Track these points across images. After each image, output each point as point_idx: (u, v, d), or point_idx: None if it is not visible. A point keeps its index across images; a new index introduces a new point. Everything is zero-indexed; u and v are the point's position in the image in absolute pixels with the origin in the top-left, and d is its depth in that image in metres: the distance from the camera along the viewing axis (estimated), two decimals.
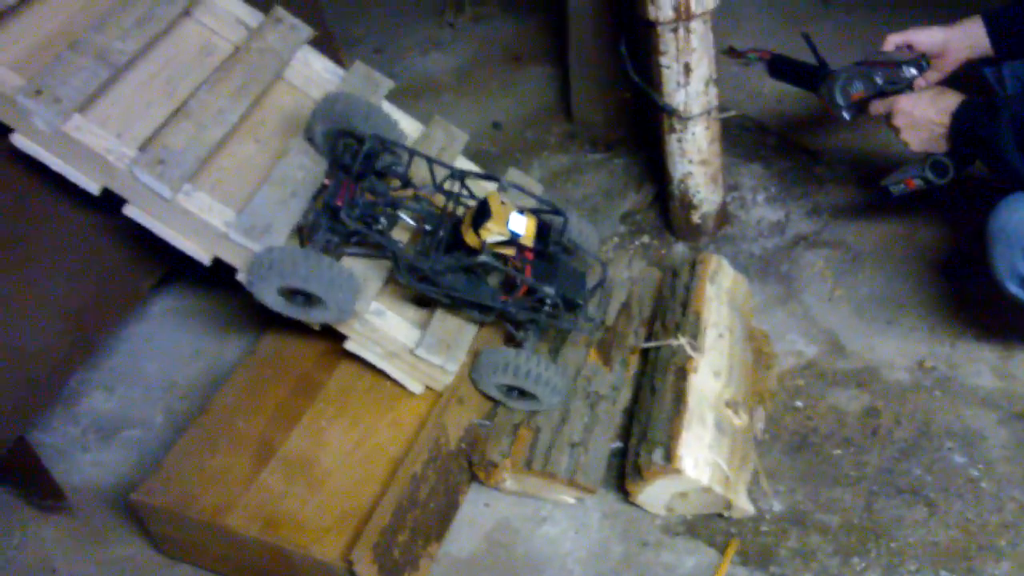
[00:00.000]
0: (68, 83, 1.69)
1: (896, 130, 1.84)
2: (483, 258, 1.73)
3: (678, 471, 1.69)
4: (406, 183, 1.91)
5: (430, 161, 1.88)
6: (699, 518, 1.80)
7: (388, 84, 2.14)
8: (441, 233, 1.81)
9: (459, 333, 1.88)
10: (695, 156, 2.25)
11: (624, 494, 1.82)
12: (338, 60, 2.22)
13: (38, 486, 1.96)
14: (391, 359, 1.85)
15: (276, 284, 1.69)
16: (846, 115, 1.92)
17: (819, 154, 2.56)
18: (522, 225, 1.75)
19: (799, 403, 1.96)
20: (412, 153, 1.90)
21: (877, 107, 1.88)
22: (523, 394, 1.84)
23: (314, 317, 1.77)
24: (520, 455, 1.81)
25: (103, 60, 1.75)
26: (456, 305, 1.85)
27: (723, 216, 2.41)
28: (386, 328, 1.81)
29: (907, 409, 1.91)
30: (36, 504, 2.00)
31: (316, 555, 1.63)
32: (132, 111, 1.78)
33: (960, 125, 1.74)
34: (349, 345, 1.85)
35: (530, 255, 1.80)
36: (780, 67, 2.14)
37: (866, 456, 1.84)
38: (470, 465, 1.89)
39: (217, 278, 1.88)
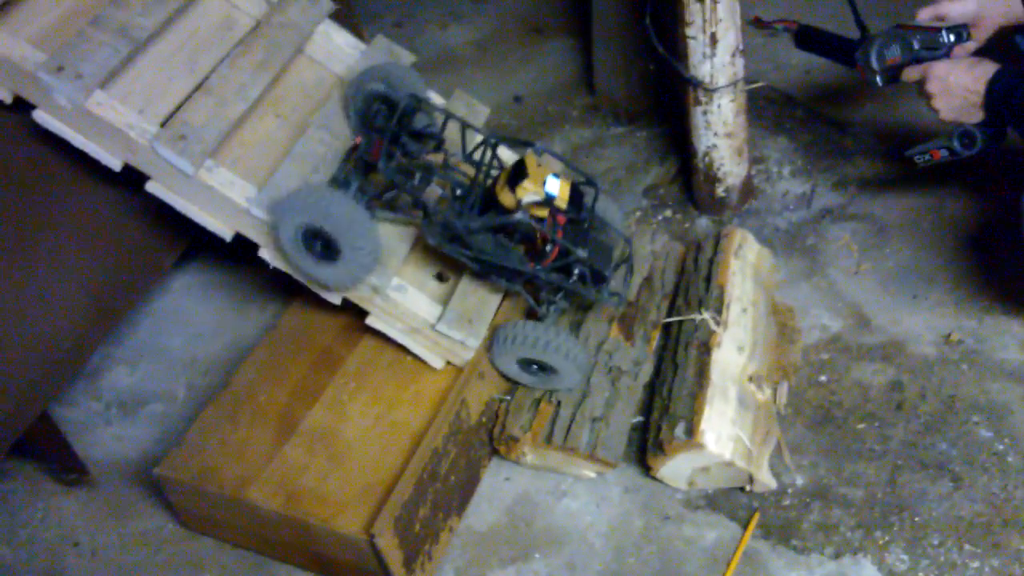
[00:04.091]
0: (89, 59, 1.69)
1: (928, 97, 1.80)
2: (519, 216, 1.69)
3: (700, 445, 1.68)
4: (440, 144, 1.89)
5: (464, 124, 1.85)
6: (721, 492, 1.79)
7: (410, 58, 2.12)
8: (474, 196, 1.79)
9: (480, 309, 1.88)
10: (720, 129, 2.22)
11: (645, 468, 1.81)
12: (359, 34, 2.21)
13: (61, 460, 1.99)
14: (412, 334, 1.85)
15: (298, 221, 1.68)
16: (879, 81, 1.88)
17: (846, 126, 2.53)
18: (557, 187, 1.72)
19: (823, 377, 1.95)
20: (447, 116, 1.88)
21: (911, 72, 1.84)
22: (543, 370, 1.83)
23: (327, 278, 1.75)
24: (541, 430, 1.81)
25: (124, 35, 1.75)
26: (484, 271, 1.82)
27: (748, 189, 2.38)
28: (407, 304, 1.81)
29: (933, 383, 1.88)
30: (59, 478, 2.03)
31: (338, 528, 1.64)
32: (154, 87, 1.77)
33: (995, 93, 1.71)
34: (370, 321, 1.85)
35: (562, 219, 1.77)
36: (807, 38, 2.10)
37: (890, 430, 1.82)
38: (491, 439, 1.89)
39: (239, 253, 1.89)
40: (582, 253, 1.73)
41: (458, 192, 1.84)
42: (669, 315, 2.05)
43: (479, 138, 1.85)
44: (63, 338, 1.87)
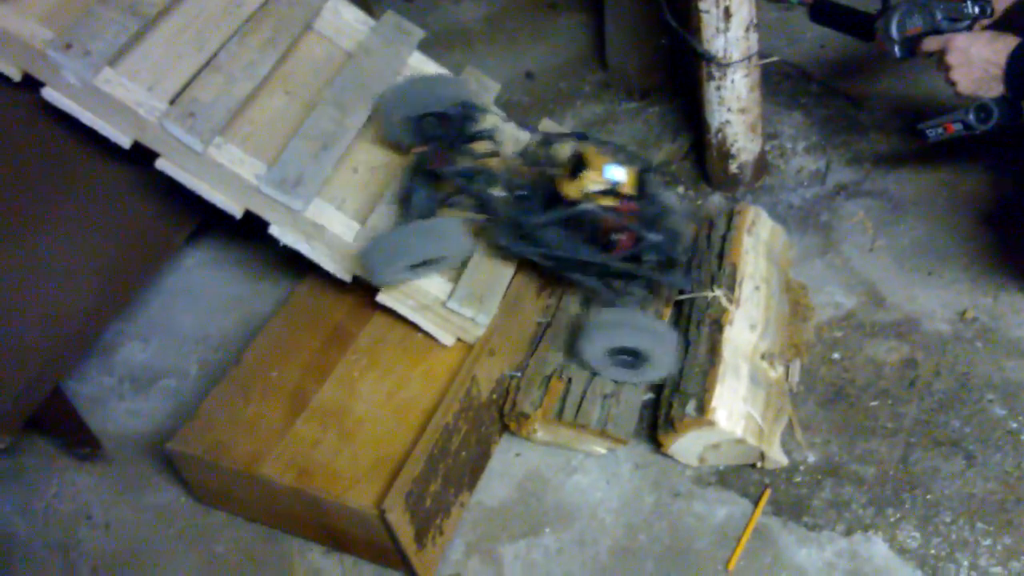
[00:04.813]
0: (98, 36, 1.68)
1: (947, 68, 1.77)
2: (583, 206, 1.69)
3: (711, 423, 1.68)
4: (495, 146, 1.90)
5: (518, 124, 1.88)
6: (731, 469, 1.79)
7: (419, 34, 2.11)
8: (536, 193, 1.79)
9: (491, 285, 1.87)
10: (734, 104, 2.20)
11: (656, 445, 1.81)
12: (368, 9, 2.19)
13: (75, 435, 2.01)
14: (423, 311, 1.85)
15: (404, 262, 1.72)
16: (898, 51, 1.85)
17: (861, 101, 2.50)
18: (620, 174, 1.71)
19: (836, 355, 1.93)
20: (502, 118, 1.91)
21: (931, 43, 1.81)
22: (636, 360, 1.77)
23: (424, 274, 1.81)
24: (551, 406, 1.81)
25: (133, 13, 1.74)
26: (556, 266, 1.82)
27: (761, 166, 2.36)
28: (418, 281, 1.81)
29: (947, 361, 1.87)
30: (73, 453, 2.04)
31: (349, 503, 1.64)
32: (162, 64, 1.77)
33: (1017, 66, 1.68)
34: (381, 297, 1.85)
35: (631, 207, 1.74)
36: (822, 11, 2.07)
37: (903, 408, 1.81)
38: (501, 416, 1.89)
39: (250, 230, 1.89)
40: (655, 237, 1.71)
41: (518, 192, 1.84)
42: (681, 292, 2.03)
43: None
44: (76, 314, 1.88)
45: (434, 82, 1.92)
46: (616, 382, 1.83)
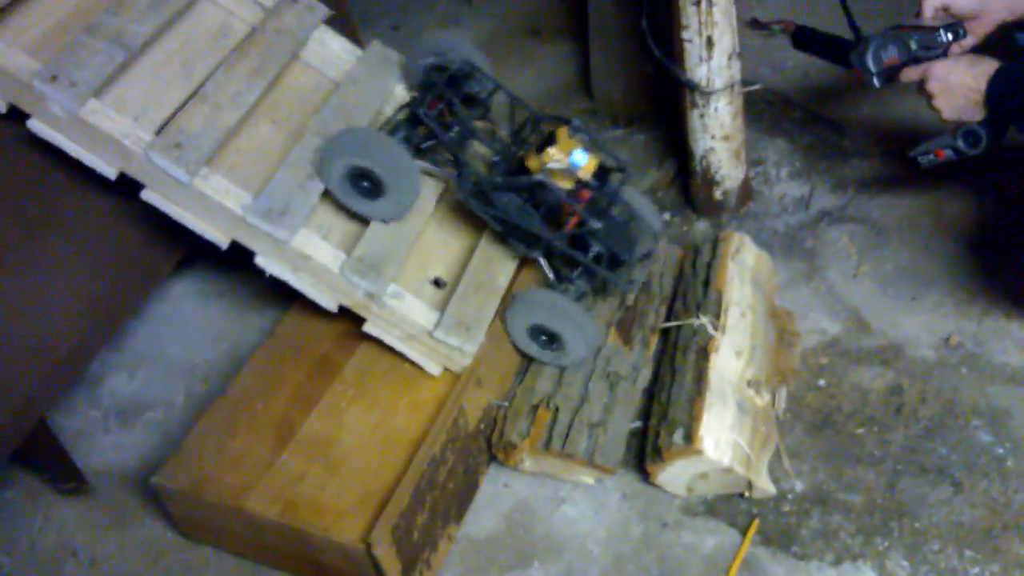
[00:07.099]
0: (84, 67, 1.68)
1: (929, 96, 1.79)
2: (539, 177, 1.75)
3: (699, 452, 1.68)
4: (486, 112, 1.97)
5: (513, 98, 1.95)
6: (720, 498, 1.78)
7: (403, 60, 2.12)
8: (506, 160, 1.86)
9: (477, 315, 1.87)
10: (717, 131, 2.22)
11: (644, 475, 1.80)
12: (355, 39, 2.20)
13: (59, 469, 1.98)
14: (409, 341, 1.85)
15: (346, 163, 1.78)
16: (876, 82, 1.87)
17: (844, 127, 2.52)
18: (583, 159, 1.77)
19: (822, 382, 1.94)
20: (497, 86, 1.97)
21: (910, 73, 1.82)
22: (551, 341, 1.85)
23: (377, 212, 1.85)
24: (539, 436, 1.81)
25: (119, 43, 1.74)
26: (505, 232, 1.87)
27: (746, 192, 2.37)
28: (404, 310, 1.81)
29: (932, 387, 1.88)
30: (57, 487, 2.02)
31: (335, 537, 1.63)
32: (148, 94, 1.76)
33: (997, 91, 1.70)
34: (368, 327, 1.84)
35: (586, 194, 1.80)
36: (804, 39, 2.09)
37: (890, 435, 1.81)
38: (489, 446, 1.88)
39: (237, 260, 1.88)
40: (596, 224, 1.77)
41: (494, 159, 1.90)
42: (667, 319, 2.04)
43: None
44: (61, 345, 1.86)
45: (456, 42, 2.00)
46: (604, 410, 1.83)
